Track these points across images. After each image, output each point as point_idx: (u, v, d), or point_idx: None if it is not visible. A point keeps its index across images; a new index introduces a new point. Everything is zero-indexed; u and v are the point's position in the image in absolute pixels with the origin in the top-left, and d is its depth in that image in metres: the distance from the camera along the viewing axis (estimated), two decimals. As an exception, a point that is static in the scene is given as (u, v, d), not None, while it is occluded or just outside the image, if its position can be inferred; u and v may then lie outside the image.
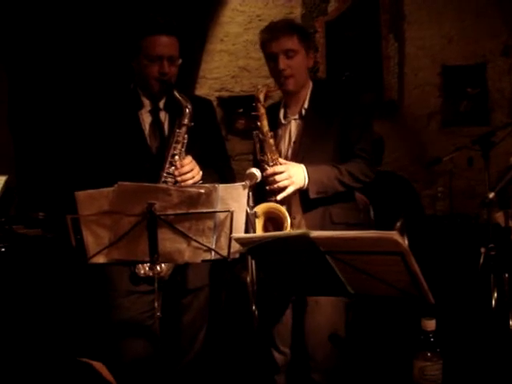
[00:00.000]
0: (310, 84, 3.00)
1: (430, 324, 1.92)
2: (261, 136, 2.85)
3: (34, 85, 4.99)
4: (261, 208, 2.74)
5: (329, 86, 3.25)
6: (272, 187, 2.77)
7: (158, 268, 2.72)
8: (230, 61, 5.48)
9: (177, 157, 2.79)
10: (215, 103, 5.14)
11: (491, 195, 2.14)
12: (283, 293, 2.75)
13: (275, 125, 3.00)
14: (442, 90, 4.91)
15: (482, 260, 3.05)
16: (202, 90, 5.42)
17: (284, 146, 2.99)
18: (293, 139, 2.97)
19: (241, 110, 5.30)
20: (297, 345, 2.98)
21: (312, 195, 2.79)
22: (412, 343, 1.95)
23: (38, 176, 4.97)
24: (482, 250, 3.06)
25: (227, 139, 5.16)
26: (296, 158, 2.88)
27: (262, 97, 2.86)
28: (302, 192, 2.82)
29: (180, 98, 2.80)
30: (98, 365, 1.86)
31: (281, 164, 2.80)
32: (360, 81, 4.98)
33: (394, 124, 4.93)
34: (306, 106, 2.96)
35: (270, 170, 2.77)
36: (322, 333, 2.77)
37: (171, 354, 2.95)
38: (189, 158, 2.81)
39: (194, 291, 2.98)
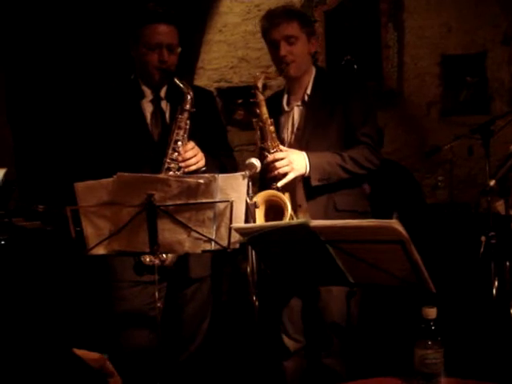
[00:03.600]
0: (313, 70, 2.99)
1: (431, 312, 1.92)
2: (260, 123, 2.84)
3: (33, 77, 4.97)
4: (261, 196, 2.73)
5: (332, 72, 3.23)
6: (272, 174, 2.76)
7: (163, 256, 2.73)
8: (228, 51, 5.46)
9: (180, 143, 2.79)
10: (214, 94, 5.12)
11: (492, 183, 2.13)
12: (284, 284, 2.75)
13: (279, 112, 3.00)
14: (441, 79, 4.89)
15: (482, 249, 3.04)
16: (200, 81, 5.40)
17: (287, 132, 2.98)
18: (296, 126, 2.96)
19: (240, 101, 5.28)
20: (308, 331, 2.98)
21: (314, 182, 2.79)
22: (413, 331, 1.95)
23: (37, 168, 4.97)
24: (483, 238, 3.06)
25: (226, 130, 5.15)
26: (299, 144, 2.87)
27: (260, 84, 2.85)
28: (305, 180, 2.81)
29: (181, 84, 2.80)
30: (97, 356, 1.85)
31: (281, 151, 2.79)
32: (360, 65, 4.97)
33: (394, 113, 4.92)
34: (308, 92, 2.95)
35: (270, 157, 2.76)
36: (336, 318, 2.79)
37: (174, 345, 2.95)
38: (191, 144, 2.80)
39: (198, 281, 2.98)
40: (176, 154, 2.78)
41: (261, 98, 2.84)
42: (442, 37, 4.87)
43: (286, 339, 3.02)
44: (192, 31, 5.24)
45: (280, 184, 2.76)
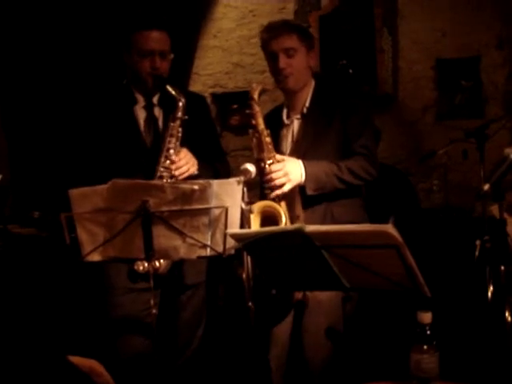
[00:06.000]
0: (313, 83, 3.01)
1: (426, 317, 1.92)
2: (256, 134, 2.85)
3: (27, 82, 4.97)
4: (257, 206, 2.74)
5: (331, 84, 3.24)
6: (269, 185, 2.77)
7: (157, 264, 2.72)
8: (223, 57, 5.47)
9: (172, 150, 2.79)
10: (209, 99, 5.13)
11: (486, 187, 2.14)
12: (280, 289, 2.75)
13: (279, 125, 3.01)
14: (436, 83, 4.90)
15: (477, 252, 3.04)
16: (195, 87, 5.40)
17: (286, 145, 3.00)
18: (295, 138, 2.97)
19: (235, 106, 5.28)
20: (295, 347, 2.96)
21: (309, 192, 2.79)
22: (408, 336, 1.95)
23: (32, 175, 4.96)
24: (478, 242, 3.06)
25: (222, 135, 5.16)
26: (297, 156, 2.88)
27: (256, 95, 2.86)
28: (302, 190, 2.81)
29: (173, 91, 2.80)
30: (93, 363, 1.85)
31: (278, 161, 2.80)
32: (355, 69, 4.98)
33: (389, 117, 4.92)
34: (307, 104, 2.96)
35: (267, 171, 2.77)
36: (323, 334, 2.78)
37: (169, 351, 2.95)
38: (184, 151, 2.81)
39: (192, 287, 2.98)
40: (168, 161, 2.78)
41: (257, 109, 2.85)
42: (436, 41, 4.88)
43: (269, 355, 2.97)
44: (186, 37, 5.24)
45: (275, 195, 2.77)
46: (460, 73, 4.81)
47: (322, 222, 2.81)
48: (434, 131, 4.86)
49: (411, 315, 1.97)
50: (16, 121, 5.03)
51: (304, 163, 2.79)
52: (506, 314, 2.46)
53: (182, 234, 2.39)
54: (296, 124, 2.99)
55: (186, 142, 2.84)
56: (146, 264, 2.67)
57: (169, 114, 2.84)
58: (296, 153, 2.92)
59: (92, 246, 2.42)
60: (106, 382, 1.83)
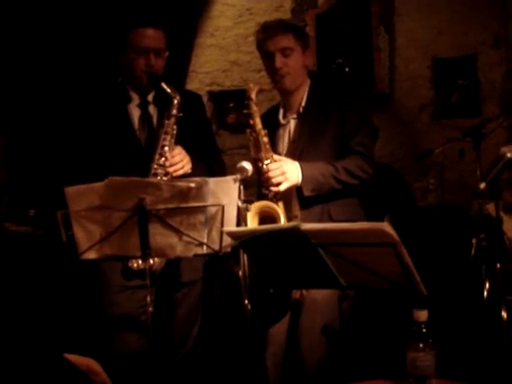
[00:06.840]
0: (308, 82, 3.01)
1: (422, 315, 1.93)
2: (254, 134, 2.85)
3: (22, 81, 4.96)
4: (255, 207, 2.74)
5: (327, 82, 3.25)
6: (266, 184, 2.77)
7: (151, 261, 2.72)
8: (220, 55, 5.46)
9: (166, 148, 2.79)
10: (206, 98, 5.13)
11: (482, 185, 2.15)
12: (276, 287, 2.75)
13: (276, 125, 3.01)
14: (432, 82, 4.90)
15: (473, 251, 3.05)
16: (192, 85, 5.39)
17: (283, 145, 3.00)
18: (292, 138, 2.97)
19: (232, 105, 5.28)
20: (291, 346, 2.97)
21: (306, 193, 2.80)
22: (404, 334, 1.95)
23: (28, 173, 4.95)
24: (474, 240, 3.07)
25: (218, 134, 5.15)
26: (294, 156, 2.89)
27: (253, 95, 2.86)
28: (299, 190, 2.82)
29: (168, 89, 2.80)
30: (90, 361, 1.85)
31: (275, 161, 2.80)
32: (351, 68, 4.98)
33: (385, 116, 4.92)
34: (303, 104, 2.97)
35: (264, 169, 2.77)
36: (319, 333, 2.78)
37: (165, 349, 2.95)
38: (178, 149, 2.81)
39: (188, 285, 2.98)
40: (163, 159, 2.79)
41: (254, 109, 2.86)
42: (433, 39, 4.88)
43: (266, 354, 2.98)
44: (184, 35, 5.24)
45: (273, 193, 2.78)
46: (457, 71, 4.80)
47: (319, 222, 2.82)
48: (430, 130, 4.86)
49: (407, 313, 1.97)
50: (12, 119, 5.02)
51: (301, 165, 2.80)
52: (502, 312, 2.46)
53: (178, 231, 2.39)
54: (292, 124, 3.00)
55: (180, 140, 2.84)
56: (140, 261, 2.67)
57: (163, 112, 2.84)
58: (293, 153, 2.92)
59: (88, 243, 2.42)
60: (103, 381, 1.83)
